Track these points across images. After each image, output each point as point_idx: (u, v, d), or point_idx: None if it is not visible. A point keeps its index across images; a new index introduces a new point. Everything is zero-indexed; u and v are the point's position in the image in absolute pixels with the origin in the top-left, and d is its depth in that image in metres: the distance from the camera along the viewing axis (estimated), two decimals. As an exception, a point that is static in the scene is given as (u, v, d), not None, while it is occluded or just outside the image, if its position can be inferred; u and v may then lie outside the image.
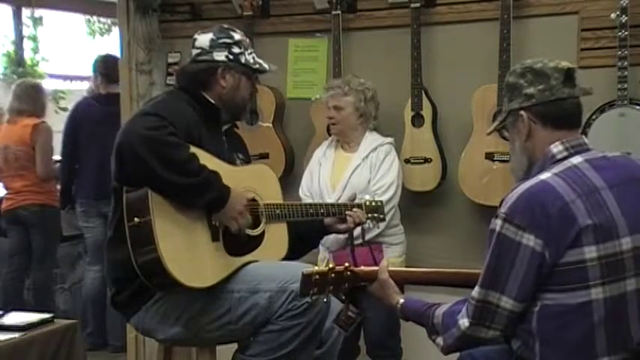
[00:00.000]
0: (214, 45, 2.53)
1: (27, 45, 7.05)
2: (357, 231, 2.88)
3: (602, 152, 1.96)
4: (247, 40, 2.64)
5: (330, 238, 3.10)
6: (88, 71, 4.96)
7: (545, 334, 1.83)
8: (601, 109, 3.16)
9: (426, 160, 3.46)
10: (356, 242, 2.89)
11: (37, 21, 7.06)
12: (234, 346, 2.48)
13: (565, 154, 1.91)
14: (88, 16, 7.91)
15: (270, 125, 3.74)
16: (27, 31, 7.03)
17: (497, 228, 1.84)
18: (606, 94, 3.14)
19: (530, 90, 1.94)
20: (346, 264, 2.15)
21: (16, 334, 2.83)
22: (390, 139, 3.35)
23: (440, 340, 1.97)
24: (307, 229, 2.73)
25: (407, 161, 3.47)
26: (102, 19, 7.92)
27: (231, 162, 2.55)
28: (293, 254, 2.59)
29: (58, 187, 4.78)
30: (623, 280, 1.82)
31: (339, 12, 3.56)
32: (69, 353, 2.98)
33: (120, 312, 2.54)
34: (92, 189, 4.47)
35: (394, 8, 3.59)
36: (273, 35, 3.83)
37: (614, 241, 1.81)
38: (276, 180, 2.66)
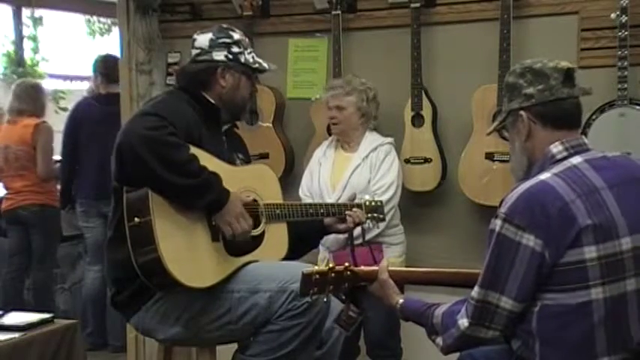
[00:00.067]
0: (214, 45, 2.53)
1: (27, 45, 7.05)
2: (357, 231, 2.88)
3: (602, 152, 1.96)
4: (247, 39, 2.64)
5: (330, 238, 3.10)
6: (88, 71, 4.96)
7: (545, 334, 1.83)
8: (601, 109, 3.16)
9: (426, 160, 3.46)
10: (356, 242, 2.89)
11: (37, 21, 7.06)
12: (234, 346, 2.48)
13: (565, 154, 1.91)
14: (88, 16, 7.91)
15: (270, 125, 3.74)
16: (27, 31, 7.03)
17: (497, 228, 1.84)
18: (606, 94, 3.14)
19: (530, 90, 1.94)
20: (346, 264, 2.15)
21: (16, 334, 2.83)
22: (390, 139, 3.35)
23: (439, 340, 1.97)
24: (307, 229, 2.73)
25: (407, 161, 3.47)
26: (102, 19, 7.93)
27: (231, 162, 2.55)
28: (293, 254, 2.59)
29: (58, 187, 4.79)
30: (623, 280, 1.82)
31: (339, 12, 3.56)
32: (69, 353, 2.98)
33: (120, 312, 2.54)
34: (92, 189, 4.46)
35: (394, 8, 3.59)
36: (273, 35, 3.83)
37: (614, 241, 1.81)
38: (276, 180, 2.66)
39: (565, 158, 1.90)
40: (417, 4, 3.41)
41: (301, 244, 2.69)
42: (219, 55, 2.53)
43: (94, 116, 4.53)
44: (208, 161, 2.32)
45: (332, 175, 3.31)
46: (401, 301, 2.10)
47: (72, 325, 3.05)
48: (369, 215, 2.81)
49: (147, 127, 2.22)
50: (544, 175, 1.86)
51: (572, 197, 1.80)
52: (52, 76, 7.20)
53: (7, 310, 3.11)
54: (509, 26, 3.23)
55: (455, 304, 1.97)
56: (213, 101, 2.53)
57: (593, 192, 1.83)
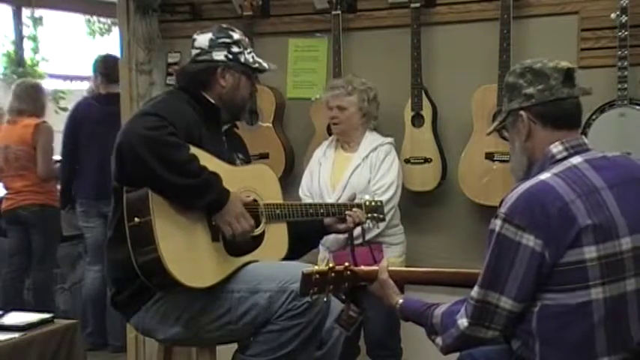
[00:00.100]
0: (213, 45, 2.53)
1: (27, 45, 7.05)
2: (357, 231, 2.88)
3: (602, 152, 1.96)
4: (246, 39, 2.64)
5: (330, 238, 3.10)
6: (88, 71, 4.96)
7: (545, 334, 1.83)
8: (601, 109, 3.16)
9: (426, 160, 3.46)
10: (356, 242, 2.89)
11: (37, 21, 7.06)
12: (234, 346, 2.48)
13: (565, 154, 1.91)
14: (88, 16, 7.91)
15: (270, 125, 3.74)
16: (27, 31, 7.03)
17: (497, 228, 1.84)
18: (606, 94, 3.14)
19: (530, 90, 1.94)
20: (346, 264, 2.15)
21: (16, 334, 2.83)
22: (390, 139, 3.35)
23: (439, 340, 1.97)
24: (307, 229, 2.73)
25: (407, 161, 3.47)
26: (102, 19, 7.92)
27: (231, 162, 2.55)
28: (293, 254, 2.59)
29: (58, 187, 4.79)
30: (623, 280, 1.82)
31: (339, 12, 3.56)
32: (69, 353, 2.98)
33: (120, 312, 2.54)
34: (92, 189, 4.46)
35: (394, 8, 3.59)
36: (273, 35, 3.83)
37: (614, 241, 1.81)
38: (276, 180, 2.66)
39: (565, 158, 1.90)
40: (417, 4, 3.41)
41: (301, 244, 2.69)
42: (219, 55, 2.53)
43: (94, 116, 4.53)
44: (208, 161, 2.32)
45: (332, 175, 3.31)
46: (400, 301, 2.10)
47: (72, 325, 3.05)
48: (369, 215, 2.81)
49: (147, 127, 2.22)
50: (544, 175, 1.86)
51: (572, 197, 1.80)
52: (52, 76, 7.20)
53: (7, 310, 3.11)
54: (509, 26, 3.23)
55: (454, 304, 1.97)
56: (213, 101, 2.53)
57: (593, 192, 1.83)
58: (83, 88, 6.03)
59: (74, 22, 7.87)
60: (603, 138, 3.08)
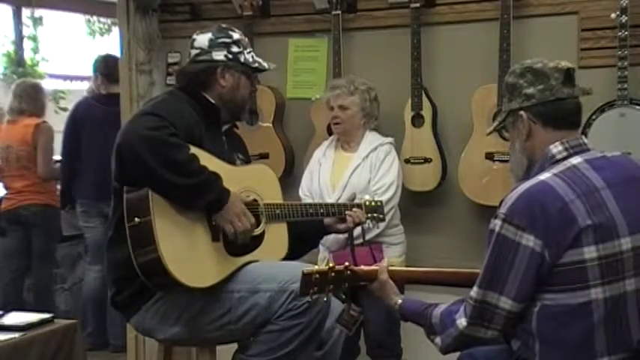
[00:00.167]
0: (213, 45, 2.53)
1: (27, 45, 7.05)
2: (357, 231, 2.88)
3: (602, 152, 1.96)
4: (246, 39, 2.64)
5: (330, 238, 3.10)
6: (88, 71, 4.96)
7: (545, 335, 1.83)
8: (601, 109, 3.16)
9: (426, 160, 3.46)
10: (356, 242, 2.89)
11: (37, 21, 7.06)
12: (234, 346, 2.48)
13: (565, 154, 1.91)
14: (88, 16, 7.91)
15: (270, 125, 3.74)
16: (27, 31, 7.03)
17: (497, 228, 1.84)
18: (606, 94, 3.14)
19: (530, 90, 1.94)
20: (346, 263, 2.15)
21: (16, 334, 2.83)
22: (390, 139, 3.35)
23: (438, 339, 1.97)
24: (307, 229, 2.73)
25: (407, 161, 3.47)
26: (102, 19, 7.92)
27: (231, 162, 2.54)
28: (293, 254, 2.59)
29: (58, 187, 4.79)
30: (623, 280, 1.82)
31: (339, 12, 3.56)
32: (69, 353, 2.98)
33: (120, 312, 2.54)
34: (93, 189, 4.46)
35: (394, 8, 3.59)
36: (273, 35, 3.82)
37: (614, 241, 1.81)
38: (276, 180, 2.66)
39: (565, 158, 1.90)
40: (417, 4, 3.41)
41: (301, 244, 2.69)
42: (219, 55, 2.52)
43: (95, 116, 4.52)
44: (208, 161, 2.32)
45: (332, 175, 3.31)
46: (399, 301, 2.10)
47: (72, 325, 3.05)
48: (369, 215, 2.81)
49: (147, 127, 2.22)
50: (544, 176, 1.86)
51: (571, 197, 1.80)
52: (52, 76, 7.20)
53: (7, 310, 3.11)
54: (509, 26, 3.23)
55: (453, 303, 1.97)
56: (213, 101, 2.53)
57: (593, 192, 1.83)
58: (83, 88, 6.03)
59: (74, 22, 7.87)
60: (603, 138, 3.08)
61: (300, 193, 3.37)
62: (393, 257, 3.19)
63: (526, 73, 1.95)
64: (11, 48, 6.97)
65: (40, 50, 7.11)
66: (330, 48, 3.65)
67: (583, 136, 1.99)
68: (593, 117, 3.16)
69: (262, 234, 2.49)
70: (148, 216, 2.23)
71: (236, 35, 2.57)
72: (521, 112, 1.96)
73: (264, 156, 3.67)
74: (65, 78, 7.46)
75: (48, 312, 3.27)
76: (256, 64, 2.60)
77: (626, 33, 3.09)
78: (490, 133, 2.28)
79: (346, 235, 2.91)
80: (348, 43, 3.64)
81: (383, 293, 2.14)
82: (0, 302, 4.48)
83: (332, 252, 3.23)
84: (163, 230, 2.23)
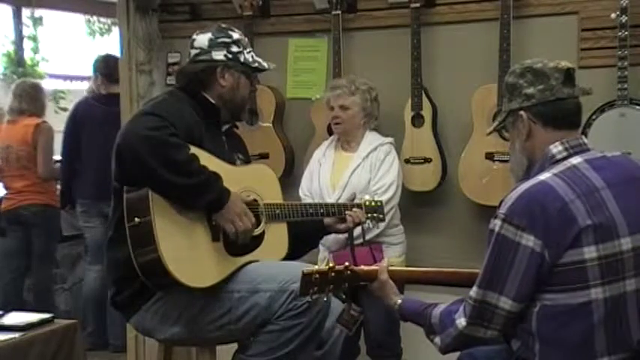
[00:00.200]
0: (213, 44, 2.53)
1: (27, 45, 7.05)
2: (357, 231, 2.88)
3: (602, 152, 1.96)
4: (246, 39, 2.64)
5: (330, 238, 3.10)
6: (88, 71, 4.96)
7: (545, 335, 1.83)
8: (601, 109, 3.16)
9: (426, 160, 3.46)
10: (356, 242, 2.89)
11: (37, 21, 7.06)
12: (234, 346, 2.48)
13: (565, 154, 1.91)
14: (88, 16, 7.91)
15: (270, 125, 3.74)
16: (27, 31, 7.03)
17: (497, 228, 1.84)
18: (606, 94, 3.14)
19: (530, 90, 1.94)
20: (346, 263, 2.16)
21: (16, 334, 2.82)
22: (390, 139, 3.35)
23: (437, 339, 1.97)
24: (307, 229, 2.73)
25: (407, 161, 3.47)
26: (102, 19, 7.92)
27: (231, 162, 2.54)
28: (293, 254, 2.59)
29: (58, 187, 4.79)
30: (623, 280, 1.82)
31: (339, 12, 3.56)
32: (69, 353, 2.98)
33: (120, 312, 2.54)
34: (93, 189, 4.46)
35: (394, 8, 3.59)
36: (273, 35, 3.82)
37: (614, 241, 1.81)
38: (276, 180, 2.66)
39: (565, 158, 1.90)
40: (417, 4, 3.41)
41: (301, 244, 2.69)
42: (219, 55, 2.52)
43: (95, 116, 4.52)
44: (208, 161, 2.32)
45: (332, 175, 3.31)
46: (399, 301, 2.10)
47: (72, 325, 3.05)
48: (369, 215, 2.81)
49: (147, 127, 2.22)
50: (544, 176, 1.86)
51: (571, 197, 1.80)
52: (52, 76, 7.20)
53: (7, 310, 3.10)
54: (509, 26, 3.23)
55: (453, 303, 1.97)
56: (213, 101, 2.53)
57: (593, 192, 1.83)
58: (83, 88, 6.03)
59: (74, 22, 7.87)
60: (603, 138, 3.08)
61: (300, 193, 3.37)
62: (393, 257, 3.19)
63: (526, 73, 1.95)
64: (11, 48, 6.97)
65: (40, 50, 7.11)
66: (330, 48, 3.65)
67: (583, 136, 1.99)
68: (593, 117, 3.16)
69: (262, 234, 2.50)
70: (147, 216, 2.23)
71: (236, 35, 2.57)
72: (522, 112, 1.96)
73: (264, 156, 3.67)
74: (65, 78, 7.46)
75: (48, 312, 3.27)
76: (256, 64, 2.60)
77: (626, 33, 3.09)
78: (490, 133, 2.28)
79: (346, 235, 2.91)
80: (348, 43, 3.64)
81: (383, 293, 2.14)
82: (0, 302, 4.48)
83: (332, 252, 3.23)
84: (163, 230, 2.23)
